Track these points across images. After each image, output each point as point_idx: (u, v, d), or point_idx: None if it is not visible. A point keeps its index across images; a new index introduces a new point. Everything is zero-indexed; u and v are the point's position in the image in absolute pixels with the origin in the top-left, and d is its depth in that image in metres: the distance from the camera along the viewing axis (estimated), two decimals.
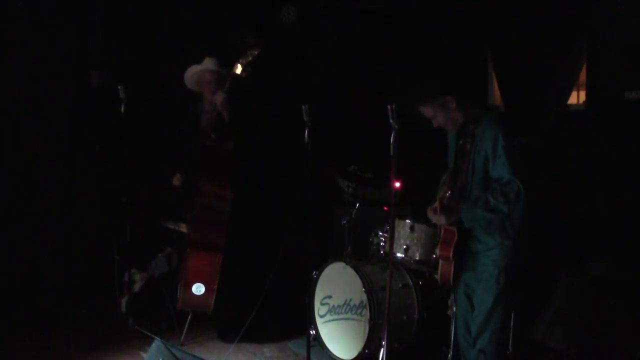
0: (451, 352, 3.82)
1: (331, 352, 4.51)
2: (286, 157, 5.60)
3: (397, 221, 4.37)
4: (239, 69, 4.52)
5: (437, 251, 3.54)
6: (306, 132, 3.76)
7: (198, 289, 4.56)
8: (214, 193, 4.62)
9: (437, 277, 3.61)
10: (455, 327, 3.73)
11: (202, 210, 4.62)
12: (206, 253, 4.59)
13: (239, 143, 4.66)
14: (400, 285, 4.36)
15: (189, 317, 4.74)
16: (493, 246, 3.43)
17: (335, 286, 4.52)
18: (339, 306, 4.48)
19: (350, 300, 4.40)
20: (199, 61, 4.78)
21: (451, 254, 3.44)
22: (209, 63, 4.75)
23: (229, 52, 4.80)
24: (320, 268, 4.59)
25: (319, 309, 4.60)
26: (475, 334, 3.50)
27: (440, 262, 3.53)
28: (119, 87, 4.72)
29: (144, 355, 4.18)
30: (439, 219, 3.43)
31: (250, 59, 4.48)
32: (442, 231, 3.49)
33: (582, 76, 4.88)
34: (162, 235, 5.14)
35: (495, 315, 3.44)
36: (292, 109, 3.87)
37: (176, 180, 4.87)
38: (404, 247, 4.38)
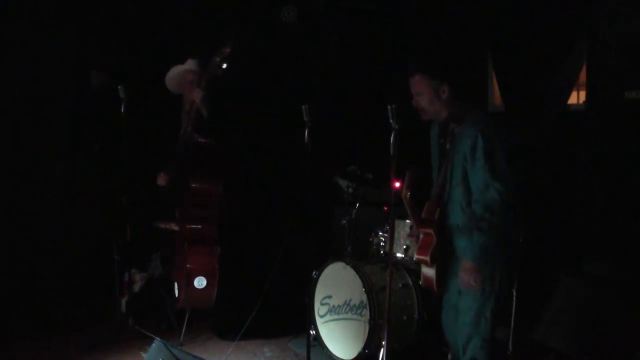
0: (451, 353, 3.81)
1: (331, 352, 4.51)
2: (286, 157, 5.60)
3: (397, 221, 4.38)
4: (212, 66, 4.53)
5: (415, 255, 3.46)
6: (306, 132, 3.76)
7: (200, 282, 4.57)
8: (203, 189, 4.64)
9: (421, 281, 3.55)
10: (444, 334, 3.66)
11: (192, 207, 4.65)
12: (204, 247, 4.62)
13: (221, 139, 4.67)
14: (400, 285, 4.36)
15: (187, 316, 4.74)
16: None
17: (335, 286, 4.52)
18: (339, 306, 4.48)
19: (350, 300, 4.40)
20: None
21: (429, 258, 3.35)
22: (190, 64, 4.80)
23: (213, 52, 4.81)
24: (320, 268, 4.60)
25: (319, 309, 4.61)
26: (465, 342, 3.40)
27: (422, 266, 3.45)
28: (119, 87, 4.74)
29: (144, 355, 4.18)
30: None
31: (223, 56, 4.48)
32: (421, 235, 3.42)
33: (582, 76, 4.87)
34: (160, 235, 5.14)
35: (483, 322, 3.35)
36: (292, 109, 3.88)
37: (161, 180, 4.89)
38: (404, 247, 4.38)
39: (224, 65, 4.46)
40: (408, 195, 3.34)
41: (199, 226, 4.65)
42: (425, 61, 3.48)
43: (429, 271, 3.42)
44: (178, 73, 4.83)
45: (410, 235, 3.75)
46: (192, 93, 4.66)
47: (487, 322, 3.35)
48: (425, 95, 3.38)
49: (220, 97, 4.72)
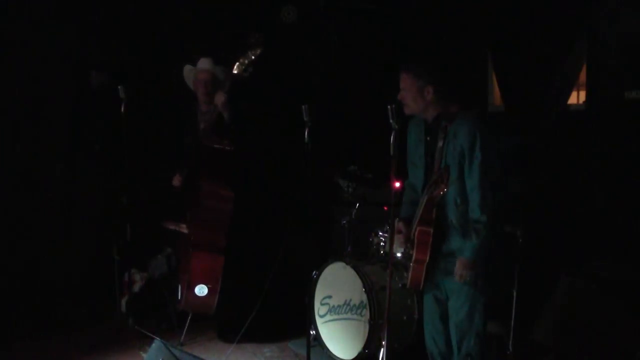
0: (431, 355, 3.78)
1: (331, 352, 4.51)
2: (286, 157, 5.60)
3: (397, 221, 4.37)
4: (239, 69, 4.51)
5: (414, 255, 3.42)
6: (306, 132, 3.76)
7: (201, 290, 4.56)
8: (216, 193, 4.62)
9: (407, 281, 3.52)
10: (425, 333, 3.66)
11: (204, 211, 4.62)
12: (209, 254, 4.59)
13: (240, 143, 4.65)
14: (400, 285, 4.34)
15: (189, 317, 4.74)
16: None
17: (335, 286, 4.52)
18: (339, 306, 4.48)
19: (350, 300, 4.40)
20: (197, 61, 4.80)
21: (427, 257, 3.36)
22: (203, 63, 4.75)
23: (229, 52, 4.80)
24: (320, 268, 4.59)
25: (319, 309, 4.60)
26: (459, 339, 3.44)
27: (413, 265, 3.43)
28: (119, 87, 4.73)
29: (144, 355, 4.18)
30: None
31: (252, 58, 4.47)
32: (417, 232, 3.40)
33: (582, 76, 4.87)
34: (162, 235, 5.14)
35: (477, 317, 3.39)
36: (292, 109, 3.87)
37: (176, 181, 4.88)
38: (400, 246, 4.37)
39: (251, 69, 4.46)
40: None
41: (208, 231, 4.61)
42: (413, 60, 3.49)
43: (420, 269, 3.42)
44: (190, 71, 4.80)
45: (397, 231, 3.73)
46: (215, 96, 4.62)
47: (480, 316, 3.39)
48: (408, 92, 3.41)
49: (243, 100, 4.71)
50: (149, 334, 4.67)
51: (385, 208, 4.81)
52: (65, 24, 5.54)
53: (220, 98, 4.57)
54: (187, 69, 4.81)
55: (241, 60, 4.49)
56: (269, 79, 5.72)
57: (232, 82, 4.59)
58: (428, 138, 3.47)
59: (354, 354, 4.33)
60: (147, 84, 5.52)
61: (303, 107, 3.72)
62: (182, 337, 4.73)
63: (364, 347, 4.25)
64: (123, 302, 5.19)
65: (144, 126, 5.41)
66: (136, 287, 5.31)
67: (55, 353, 4.61)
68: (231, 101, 4.60)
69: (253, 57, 4.47)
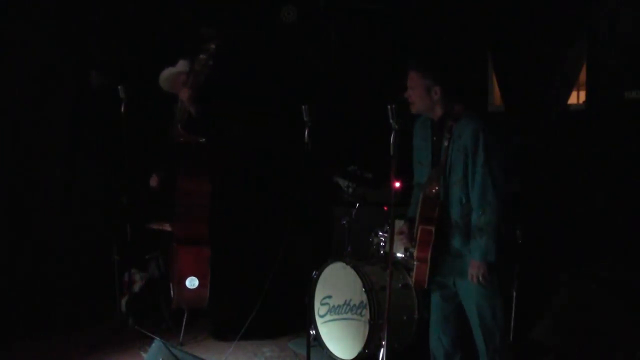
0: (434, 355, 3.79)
1: (331, 352, 4.51)
2: (286, 157, 5.60)
3: (397, 221, 4.37)
4: (199, 64, 4.52)
5: (415, 253, 3.43)
6: (306, 132, 3.76)
7: (191, 282, 4.59)
8: (191, 189, 4.65)
9: (412, 280, 3.52)
10: (430, 333, 3.65)
11: (182, 207, 4.67)
12: (193, 247, 4.64)
13: (212, 138, 4.65)
14: (400, 285, 4.36)
15: (185, 316, 4.74)
16: None
17: (335, 286, 4.52)
18: (339, 306, 4.48)
19: (350, 300, 4.40)
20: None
21: (429, 255, 3.36)
22: (182, 65, 4.76)
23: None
24: (320, 268, 4.59)
25: (319, 309, 4.60)
26: (486, 338, 3.43)
27: (416, 264, 3.43)
28: (119, 87, 4.73)
29: (144, 355, 4.18)
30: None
31: (208, 52, 4.47)
32: (419, 231, 3.40)
33: (582, 76, 4.88)
34: (159, 236, 5.15)
35: (499, 314, 3.41)
36: (292, 109, 3.88)
37: (152, 181, 4.91)
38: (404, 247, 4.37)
39: (210, 62, 4.46)
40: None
41: (188, 226, 4.67)
42: (422, 59, 3.49)
43: (423, 269, 3.41)
44: (170, 75, 4.81)
45: (399, 233, 3.73)
46: (180, 92, 4.65)
47: (502, 313, 3.41)
48: (415, 90, 3.42)
49: (213, 95, 4.71)
50: (149, 334, 4.68)
51: (385, 208, 4.81)
52: (65, 24, 5.54)
53: (184, 94, 4.60)
54: (166, 73, 4.80)
55: (200, 56, 4.49)
56: (269, 79, 5.73)
57: (197, 78, 4.58)
58: (435, 138, 3.48)
59: (354, 354, 4.33)
60: (147, 84, 5.51)
61: (303, 107, 3.72)
62: (182, 336, 4.74)
63: (364, 347, 4.25)
64: (123, 302, 5.19)
65: (144, 126, 5.41)
66: (136, 287, 5.32)
67: (55, 353, 4.61)
68: (199, 96, 4.60)
69: (209, 51, 4.46)
